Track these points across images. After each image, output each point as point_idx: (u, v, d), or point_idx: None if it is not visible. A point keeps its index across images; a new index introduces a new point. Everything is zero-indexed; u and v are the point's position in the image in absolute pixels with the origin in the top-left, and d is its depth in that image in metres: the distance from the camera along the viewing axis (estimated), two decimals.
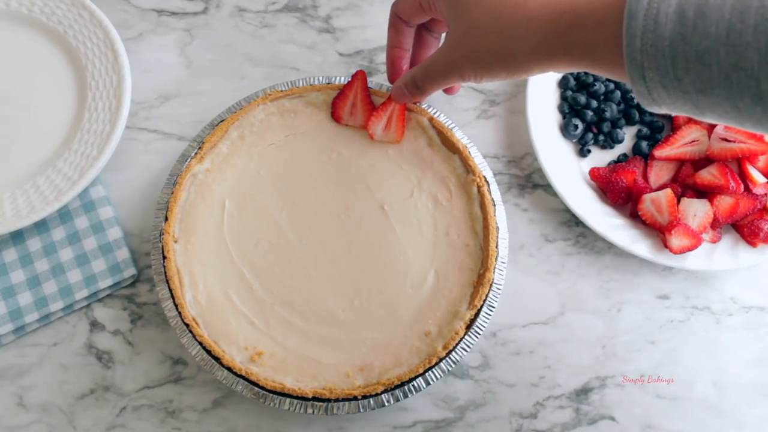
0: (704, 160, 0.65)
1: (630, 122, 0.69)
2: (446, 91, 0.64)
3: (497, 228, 0.61)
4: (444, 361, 0.57)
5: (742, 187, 0.63)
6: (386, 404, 0.56)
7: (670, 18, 0.38)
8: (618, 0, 0.41)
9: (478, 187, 0.62)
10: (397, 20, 0.59)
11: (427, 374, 0.56)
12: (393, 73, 0.63)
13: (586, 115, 0.68)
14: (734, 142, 0.63)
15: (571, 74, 0.69)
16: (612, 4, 0.41)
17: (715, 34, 0.36)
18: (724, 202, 0.63)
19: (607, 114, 0.68)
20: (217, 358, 0.56)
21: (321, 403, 0.55)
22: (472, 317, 0.58)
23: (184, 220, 0.62)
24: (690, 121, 0.67)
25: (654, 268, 0.66)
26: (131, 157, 0.69)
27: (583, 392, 0.62)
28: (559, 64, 0.46)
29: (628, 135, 0.69)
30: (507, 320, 0.64)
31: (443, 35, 0.62)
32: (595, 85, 0.68)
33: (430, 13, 0.55)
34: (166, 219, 0.60)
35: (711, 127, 0.65)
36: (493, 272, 0.59)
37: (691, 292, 0.65)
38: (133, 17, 0.75)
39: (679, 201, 0.63)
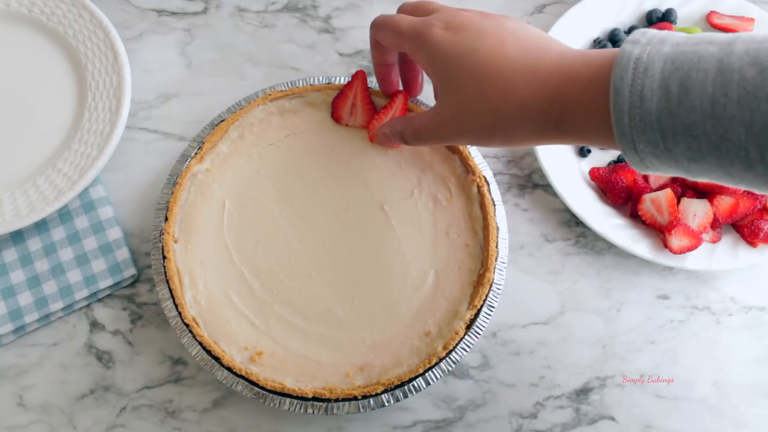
0: None
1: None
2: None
3: (497, 228, 0.61)
4: (444, 361, 0.57)
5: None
6: (386, 404, 0.56)
7: (655, 93, 0.38)
8: (602, 82, 0.41)
9: (478, 187, 0.62)
10: (377, 43, 0.58)
11: (427, 374, 0.56)
12: (386, 88, 0.63)
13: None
14: None
15: None
16: (598, 87, 0.42)
17: (700, 108, 0.37)
18: (724, 202, 0.63)
19: None
20: (217, 358, 0.56)
21: (321, 403, 0.55)
22: (472, 317, 0.58)
23: (184, 220, 0.62)
24: None
25: (654, 268, 0.66)
26: (131, 157, 0.69)
27: (583, 392, 0.62)
28: (557, 142, 0.48)
29: None
30: (507, 320, 0.64)
31: None
32: None
33: (411, 57, 0.55)
34: (166, 219, 0.60)
35: None
36: (493, 272, 0.59)
37: (691, 292, 0.65)
38: (133, 17, 0.75)
39: (679, 201, 0.63)
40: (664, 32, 0.41)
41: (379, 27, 0.56)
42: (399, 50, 0.57)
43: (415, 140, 0.56)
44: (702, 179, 0.41)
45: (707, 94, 0.37)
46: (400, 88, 0.64)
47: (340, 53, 0.74)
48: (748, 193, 0.63)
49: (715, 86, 0.36)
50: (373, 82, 0.67)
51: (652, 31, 0.41)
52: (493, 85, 0.47)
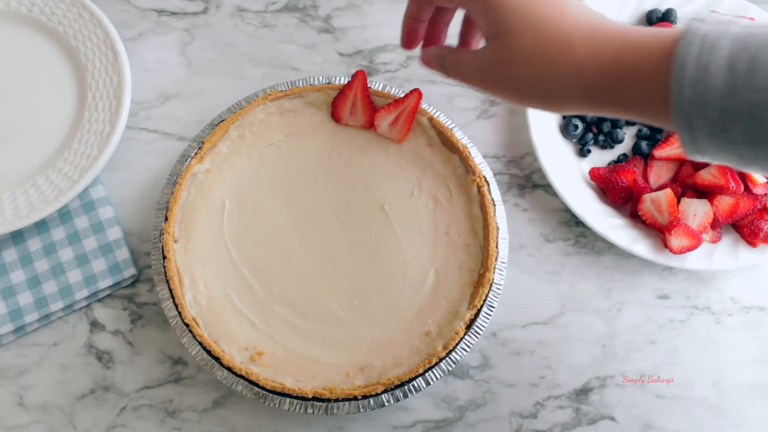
0: None
1: (630, 122, 0.69)
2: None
3: (497, 228, 0.61)
4: (444, 361, 0.57)
5: (742, 187, 0.63)
6: (386, 404, 0.56)
7: (721, 70, 0.37)
8: (665, 52, 0.40)
9: (478, 187, 0.62)
10: None
11: (427, 374, 0.56)
12: (408, 42, 0.59)
13: (586, 114, 0.68)
14: None
15: None
16: (659, 57, 0.41)
17: (766, 88, 0.36)
18: (724, 202, 0.63)
19: None
20: (217, 358, 0.56)
21: (321, 403, 0.55)
22: (472, 317, 0.58)
23: (184, 220, 0.62)
24: None
25: (654, 268, 0.66)
26: (131, 157, 0.69)
27: (583, 392, 0.62)
28: (600, 110, 0.46)
29: (628, 135, 0.69)
30: (507, 320, 0.64)
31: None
32: None
33: (461, 6, 0.53)
34: (166, 219, 0.60)
35: None
36: (493, 272, 0.59)
37: (691, 292, 0.65)
38: (133, 17, 0.75)
39: (679, 201, 0.63)
40: (732, 17, 0.40)
41: None
42: (444, 4, 0.54)
43: (453, 71, 0.53)
44: (753, 169, 0.40)
45: None
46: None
47: (340, 53, 0.74)
48: (748, 193, 0.63)
49: None
50: (373, 82, 0.67)
51: (720, 15, 0.40)
52: (550, 39, 0.45)
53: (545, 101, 0.48)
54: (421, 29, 0.59)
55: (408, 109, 0.63)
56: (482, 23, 0.50)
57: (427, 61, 0.58)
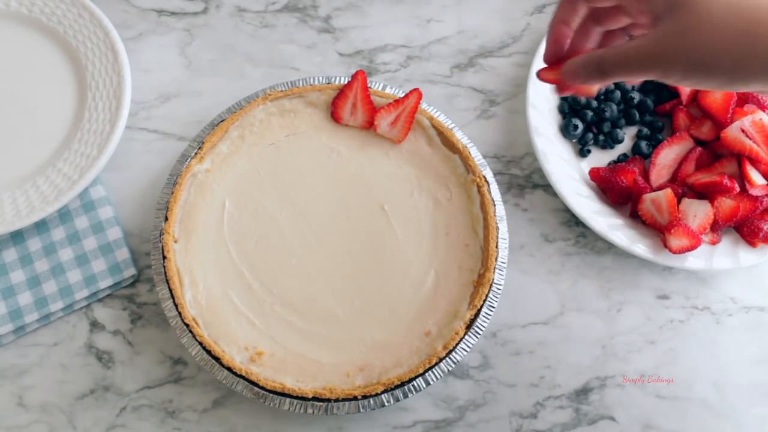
0: (710, 151, 0.66)
1: (630, 122, 0.69)
2: (564, 89, 0.53)
3: (497, 228, 0.61)
4: (444, 361, 0.57)
5: (737, 187, 0.63)
6: (386, 404, 0.56)
7: None
8: None
9: (478, 187, 0.62)
10: None
11: (427, 374, 0.56)
12: (554, 52, 0.52)
13: (586, 115, 0.68)
14: (751, 139, 0.62)
15: None
16: None
17: None
18: (725, 204, 0.63)
19: (607, 114, 0.68)
20: (217, 358, 0.56)
21: (321, 403, 0.55)
22: (472, 317, 0.58)
23: (184, 220, 0.62)
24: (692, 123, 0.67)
25: (654, 268, 0.66)
26: (131, 157, 0.69)
27: (583, 392, 0.62)
28: None
29: (628, 135, 0.69)
30: (507, 320, 0.64)
31: (605, 31, 0.54)
32: None
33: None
34: (166, 219, 0.60)
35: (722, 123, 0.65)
36: (493, 272, 0.59)
37: (691, 292, 0.65)
38: (133, 17, 0.75)
39: (679, 201, 0.63)
40: None
41: None
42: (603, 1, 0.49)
43: (617, 65, 0.47)
44: None
45: None
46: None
47: (340, 53, 0.74)
48: (748, 195, 0.63)
49: None
50: (373, 82, 0.67)
51: None
52: (745, 1, 0.41)
53: (731, 71, 0.42)
54: (567, 38, 0.53)
55: (408, 109, 0.63)
56: (646, 4, 0.45)
57: (573, 75, 0.50)
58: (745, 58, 0.41)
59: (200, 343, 0.57)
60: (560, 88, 0.53)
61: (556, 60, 0.52)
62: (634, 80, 0.52)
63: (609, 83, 0.51)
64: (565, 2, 0.51)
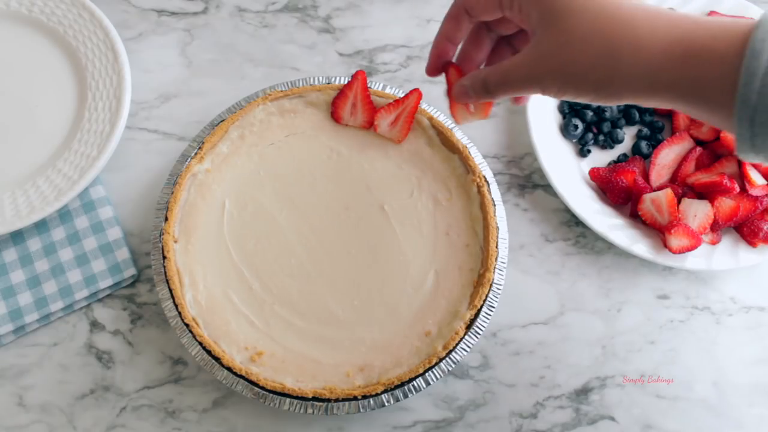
0: (710, 151, 0.66)
1: (630, 122, 0.69)
2: (515, 100, 0.56)
3: (497, 228, 0.61)
4: (444, 361, 0.57)
5: (737, 187, 0.63)
6: (386, 404, 0.56)
7: None
8: (739, 39, 0.39)
9: (478, 187, 0.62)
10: (461, 12, 0.52)
11: (427, 374, 0.56)
12: (434, 68, 0.55)
13: (586, 115, 0.68)
14: None
15: None
16: (732, 43, 0.39)
17: None
18: (725, 204, 0.63)
19: (607, 114, 0.68)
20: (217, 358, 0.56)
21: (321, 403, 0.55)
22: (472, 317, 0.58)
23: (184, 220, 0.62)
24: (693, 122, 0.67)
25: (654, 268, 0.66)
26: (131, 157, 0.69)
27: (583, 392, 0.62)
28: (656, 98, 0.43)
29: (628, 135, 0.69)
30: (507, 320, 0.64)
31: (500, 36, 0.56)
32: None
33: (507, 12, 0.49)
34: (166, 219, 0.60)
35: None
36: (493, 272, 0.59)
37: (691, 292, 0.65)
38: (133, 17, 0.75)
39: (679, 201, 0.63)
40: None
41: None
42: (488, 12, 0.51)
43: (499, 84, 0.49)
44: None
45: None
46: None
47: (340, 53, 0.74)
48: (748, 195, 0.63)
49: None
50: (373, 82, 0.67)
51: None
52: (609, 17, 0.43)
53: (598, 87, 0.44)
54: (451, 53, 0.55)
55: (408, 109, 0.63)
56: (532, 16, 0.47)
57: (463, 95, 0.53)
58: (609, 76, 0.43)
59: (200, 343, 0.57)
60: (454, 116, 0.56)
61: (437, 73, 0.55)
62: (520, 97, 0.55)
63: (498, 100, 0.53)
64: (448, 18, 0.53)
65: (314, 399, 0.55)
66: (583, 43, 0.43)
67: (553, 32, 0.45)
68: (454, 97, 0.54)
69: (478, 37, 0.55)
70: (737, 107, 0.38)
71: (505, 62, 0.49)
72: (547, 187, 0.68)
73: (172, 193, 0.61)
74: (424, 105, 0.65)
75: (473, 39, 0.55)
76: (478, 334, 0.58)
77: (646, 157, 0.67)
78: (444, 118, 0.66)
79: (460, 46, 0.55)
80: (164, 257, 0.59)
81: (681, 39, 0.41)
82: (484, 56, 0.55)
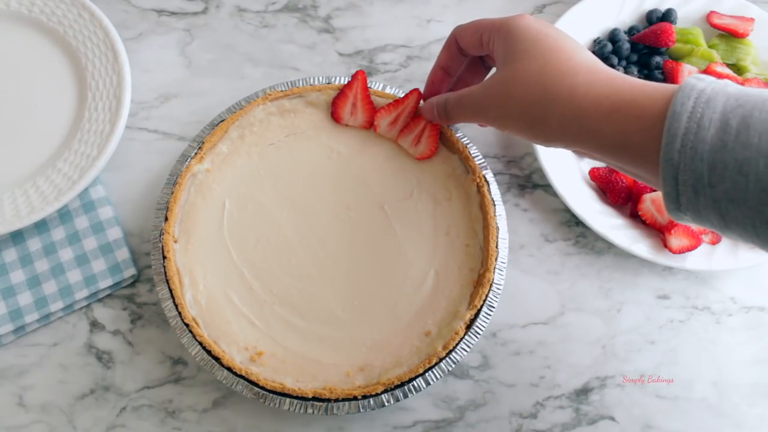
0: None
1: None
2: (480, 124, 0.62)
3: (497, 228, 0.61)
4: (444, 361, 0.57)
5: None
6: (386, 404, 0.56)
7: (714, 124, 0.38)
8: (663, 101, 0.41)
9: (478, 187, 0.62)
10: (454, 45, 0.58)
11: (427, 374, 0.56)
12: (429, 93, 0.62)
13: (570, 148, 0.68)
14: None
15: None
16: (657, 103, 0.41)
17: (756, 145, 0.36)
18: None
19: None
20: (217, 358, 0.56)
21: (321, 403, 0.55)
22: (472, 317, 0.58)
23: (184, 220, 0.62)
24: None
25: (654, 268, 0.66)
26: (131, 157, 0.69)
27: (583, 392, 0.62)
28: (585, 143, 0.46)
29: None
30: (507, 320, 0.64)
31: (493, 70, 0.61)
32: None
33: (487, 50, 0.54)
34: (166, 219, 0.60)
35: None
36: (493, 272, 0.59)
37: (691, 292, 0.65)
38: (133, 17, 0.75)
39: None
40: (727, 80, 0.41)
41: (465, 25, 0.56)
42: (474, 49, 0.56)
43: (454, 109, 0.55)
44: (732, 231, 0.40)
45: (767, 133, 0.36)
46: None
47: (340, 53, 0.74)
48: None
49: None
50: (373, 82, 0.67)
51: (714, 77, 0.42)
52: (556, 65, 0.47)
53: (533, 124, 0.49)
54: (445, 83, 0.61)
55: (408, 109, 0.63)
56: (498, 52, 0.52)
57: (428, 111, 0.60)
58: (544, 115, 0.47)
59: (200, 343, 0.57)
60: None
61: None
62: (476, 123, 0.60)
63: (459, 123, 0.60)
64: (444, 48, 0.59)
65: (314, 399, 0.55)
66: (526, 83, 0.48)
67: (507, 69, 0.50)
68: (423, 113, 0.61)
69: (475, 67, 0.61)
70: (662, 166, 0.40)
71: (465, 89, 0.55)
72: (547, 187, 0.68)
73: (172, 193, 0.61)
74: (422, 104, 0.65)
75: (469, 67, 0.61)
76: (478, 334, 0.58)
77: None
78: None
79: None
80: (164, 257, 0.59)
81: (611, 94, 0.44)
82: (478, 82, 0.60)
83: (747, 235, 0.39)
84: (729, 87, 0.40)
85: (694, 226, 0.42)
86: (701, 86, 0.40)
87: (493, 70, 0.61)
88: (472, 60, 0.60)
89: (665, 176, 0.40)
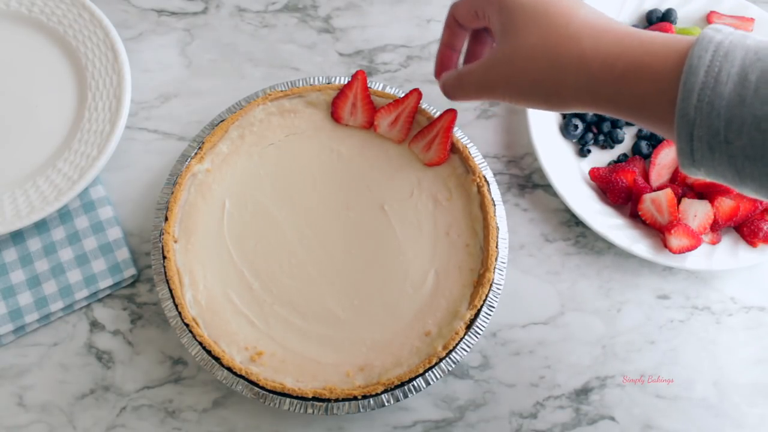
0: None
1: (630, 122, 0.69)
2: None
3: (497, 228, 0.61)
4: (444, 361, 0.57)
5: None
6: (386, 404, 0.56)
7: (732, 78, 0.37)
8: (678, 56, 0.40)
9: (478, 186, 0.62)
10: (453, 22, 0.56)
11: (427, 374, 0.56)
12: (439, 71, 0.60)
13: (586, 115, 0.68)
14: None
15: None
16: (671, 59, 0.40)
17: None
18: (725, 204, 0.63)
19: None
20: (217, 358, 0.56)
21: (321, 403, 0.55)
22: (472, 317, 0.58)
23: (184, 220, 0.62)
24: None
25: (654, 268, 0.66)
26: (131, 157, 0.69)
27: (583, 392, 0.62)
28: (601, 108, 0.45)
29: (628, 135, 0.69)
30: (507, 320, 0.64)
31: None
32: None
33: (484, 22, 0.53)
34: (166, 219, 0.60)
35: None
36: (493, 272, 0.59)
37: (691, 292, 0.65)
38: (133, 17, 0.75)
39: (679, 201, 0.63)
40: (745, 31, 0.40)
41: (460, 1, 0.55)
42: (471, 22, 0.54)
43: (456, 90, 0.54)
44: (747, 186, 0.39)
45: None
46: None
47: (340, 53, 0.74)
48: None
49: None
50: (373, 82, 0.67)
51: (733, 28, 0.40)
52: (557, 33, 0.45)
53: (548, 97, 0.47)
54: (454, 59, 0.59)
55: (408, 109, 0.63)
56: (495, 26, 0.50)
57: (446, 91, 0.56)
58: (557, 87, 0.46)
59: (200, 343, 0.57)
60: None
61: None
62: (482, 100, 0.58)
63: (464, 102, 0.59)
64: (445, 27, 0.57)
65: (314, 399, 0.55)
66: (531, 58, 0.46)
67: (507, 45, 0.48)
68: (443, 91, 0.57)
69: (479, 37, 0.58)
70: (677, 122, 0.39)
71: (463, 69, 0.53)
72: (547, 187, 0.68)
73: (172, 193, 0.61)
74: (424, 105, 0.65)
75: (475, 38, 0.58)
76: (478, 334, 0.58)
77: (646, 157, 0.67)
78: None
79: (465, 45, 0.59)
80: (164, 257, 0.59)
81: (621, 55, 0.43)
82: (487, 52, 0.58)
83: (761, 191, 0.39)
84: (748, 39, 0.38)
85: (709, 179, 0.41)
86: (719, 38, 0.38)
87: None
88: (474, 32, 0.58)
89: (680, 132, 0.39)
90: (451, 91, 0.54)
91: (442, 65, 0.59)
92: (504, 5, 0.49)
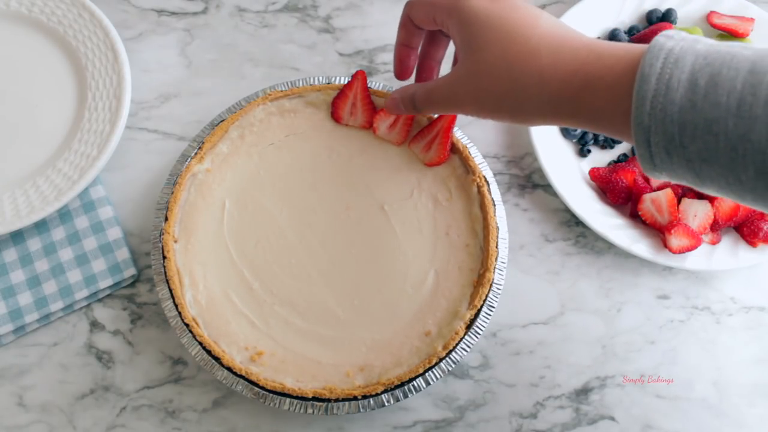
0: None
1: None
2: (451, 117, 0.62)
3: (497, 228, 0.61)
4: (444, 361, 0.57)
5: None
6: (386, 404, 0.56)
7: (682, 84, 0.38)
8: (629, 66, 0.41)
9: (478, 187, 0.62)
10: (408, 22, 0.57)
11: (427, 374, 0.56)
12: (401, 71, 0.61)
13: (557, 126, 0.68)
14: None
15: None
16: (623, 70, 0.41)
17: (725, 104, 0.36)
18: (725, 204, 0.63)
19: None
20: (217, 358, 0.56)
21: (321, 403, 0.55)
22: (472, 317, 0.58)
23: (184, 220, 0.62)
24: None
25: (654, 268, 0.66)
26: (131, 157, 0.69)
27: (583, 392, 0.62)
28: (564, 121, 0.46)
29: None
30: (507, 320, 0.64)
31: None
32: None
33: (442, 28, 0.54)
34: (166, 219, 0.60)
35: None
36: (493, 272, 0.59)
37: (691, 292, 0.65)
38: (133, 17, 0.75)
39: (679, 201, 0.63)
40: (698, 36, 0.41)
41: (417, 2, 0.55)
42: (429, 26, 0.55)
43: (424, 102, 0.54)
44: (709, 188, 0.40)
45: (735, 91, 0.36)
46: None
47: (340, 53, 0.74)
48: None
49: (744, 85, 0.36)
50: (373, 82, 0.67)
51: (685, 33, 0.41)
52: (517, 50, 0.46)
53: (512, 113, 0.48)
54: (412, 57, 0.60)
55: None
56: (456, 39, 0.51)
57: (394, 107, 0.58)
58: (520, 104, 0.47)
59: (200, 343, 0.57)
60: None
61: (405, 76, 0.61)
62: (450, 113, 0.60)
63: (429, 114, 0.60)
64: (400, 26, 0.58)
65: (314, 399, 0.55)
66: (493, 76, 0.47)
67: (470, 61, 0.49)
68: (386, 108, 0.60)
69: (434, 38, 0.59)
70: (633, 130, 0.40)
71: (431, 82, 0.54)
72: (547, 187, 0.68)
73: (172, 193, 0.61)
74: None
75: (430, 40, 0.59)
76: (478, 334, 0.58)
77: None
78: None
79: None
80: (164, 257, 0.59)
81: (578, 71, 0.44)
82: (442, 54, 0.60)
83: (722, 191, 0.39)
84: (698, 44, 0.39)
85: (673, 182, 0.42)
86: (670, 45, 0.39)
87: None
88: (430, 32, 0.59)
89: (638, 139, 0.40)
90: (419, 105, 0.55)
91: (402, 63, 0.60)
92: (464, 20, 0.49)
